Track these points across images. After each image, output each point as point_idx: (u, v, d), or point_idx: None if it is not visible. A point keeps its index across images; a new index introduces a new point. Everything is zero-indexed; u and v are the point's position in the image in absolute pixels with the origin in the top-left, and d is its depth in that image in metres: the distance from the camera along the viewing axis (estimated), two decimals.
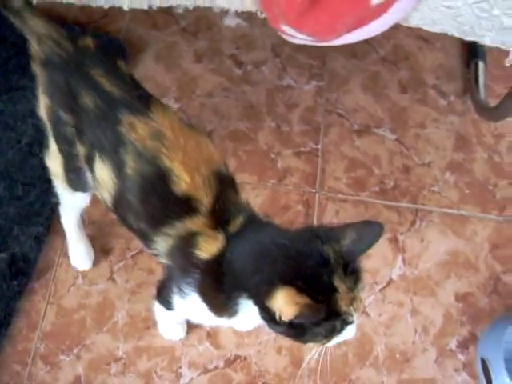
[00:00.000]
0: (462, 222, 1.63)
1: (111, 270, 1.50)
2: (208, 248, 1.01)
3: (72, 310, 1.46)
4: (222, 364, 1.43)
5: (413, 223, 1.61)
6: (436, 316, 1.51)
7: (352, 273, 0.94)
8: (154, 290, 1.30)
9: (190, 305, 1.09)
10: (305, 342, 0.99)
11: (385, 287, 1.53)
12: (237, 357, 1.44)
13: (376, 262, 1.55)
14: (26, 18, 1.14)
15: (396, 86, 1.79)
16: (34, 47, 1.14)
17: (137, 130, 1.04)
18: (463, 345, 1.49)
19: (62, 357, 1.41)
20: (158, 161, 1.03)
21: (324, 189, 1.64)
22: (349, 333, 0.99)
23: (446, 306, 1.53)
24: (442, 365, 1.46)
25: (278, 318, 0.91)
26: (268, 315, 0.95)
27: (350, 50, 1.83)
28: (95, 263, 1.50)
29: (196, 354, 1.43)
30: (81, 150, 1.14)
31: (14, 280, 1.44)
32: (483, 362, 1.43)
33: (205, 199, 1.03)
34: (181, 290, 1.07)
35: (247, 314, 1.03)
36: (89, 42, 1.14)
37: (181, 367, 1.42)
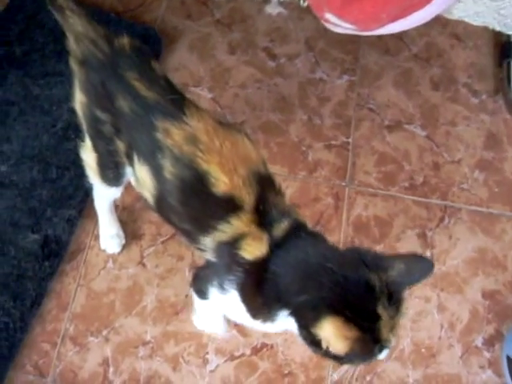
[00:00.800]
0: (490, 221, 1.63)
1: (141, 255, 1.52)
2: (252, 250, 1.02)
3: (102, 293, 1.48)
4: (248, 352, 1.44)
5: (441, 220, 1.61)
6: (462, 312, 1.51)
7: (395, 302, 0.95)
8: (184, 276, 1.32)
9: (228, 301, 1.09)
10: (342, 364, 1.01)
11: None
12: (263, 345, 1.44)
13: None
14: (66, 16, 1.15)
15: (428, 83, 1.80)
16: (72, 45, 1.15)
17: (172, 135, 1.05)
18: (489, 342, 1.48)
19: (90, 338, 1.43)
20: (195, 165, 1.03)
21: (354, 182, 1.64)
22: (383, 354, 0.99)
23: (473, 303, 1.53)
24: (468, 361, 1.46)
25: (324, 346, 0.93)
26: (311, 338, 0.96)
27: (383, 46, 1.84)
28: (126, 248, 1.52)
29: (223, 341, 1.44)
30: (120, 146, 1.15)
31: (46, 261, 1.46)
32: (509, 361, 1.43)
33: (247, 198, 1.03)
34: (222, 285, 1.07)
35: (283, 325, 1.04)
36: (125, 42, 1.13)
37: (207, 353, 1.43)
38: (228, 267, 1.06)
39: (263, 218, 1.04)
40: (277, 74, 1.77)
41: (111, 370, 1.41)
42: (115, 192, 1.34)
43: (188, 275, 1.49)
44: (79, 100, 1.17)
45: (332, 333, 0.91)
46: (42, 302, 1.44)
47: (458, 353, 1.47)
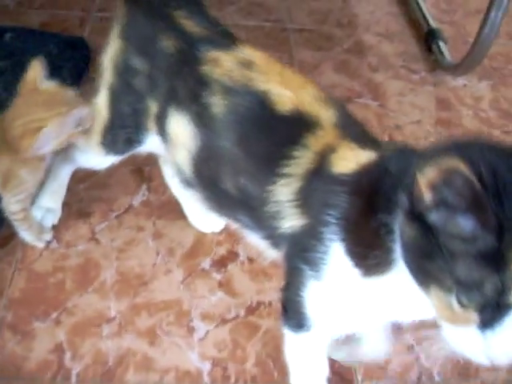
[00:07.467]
0: None
1: (92, 232, 1.24)
2: (350, 157, 0.78)
3: (46, 273, 1.16)
4: (242, 313, 1.15)
5: None
6: None
7: None
8: (148, 246, 1.17)
9: (330, 280, 0.78)
10: (427, 277, 0.64)
11: None
12: (259, 303, 1.16)
13: None
14: None
15: (366, 68, 1.78)
16: None
17: (221, 63, 0.90)
18: None
19: (36, 324, 1.09)
20: (251, 88, 0.87)
21: None
22: (498, 338, 0.61)
23: None
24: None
25: (415, 198, 0.62)
26: (410, 205, 0.64)
27: (315, 44, 1.84)
28: (72, 227, 1.24)
29: (209, 305, 1.15)
30: (152, 106, 0.99)
31: None
32: None
33: (323, 113, 0.84)
34: (316, 260, 0.78)
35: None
36: None
37: (192, 321, 1.12)
38: (324, 203, 0.77)
39: (351, 137, 0.81)
40: None
41: (68, 355, 1.05)
42: (105, 161, 1.12)
43: (152, 244, 1.23)
44: (115, 48, 1.02)
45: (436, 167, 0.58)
46: None
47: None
